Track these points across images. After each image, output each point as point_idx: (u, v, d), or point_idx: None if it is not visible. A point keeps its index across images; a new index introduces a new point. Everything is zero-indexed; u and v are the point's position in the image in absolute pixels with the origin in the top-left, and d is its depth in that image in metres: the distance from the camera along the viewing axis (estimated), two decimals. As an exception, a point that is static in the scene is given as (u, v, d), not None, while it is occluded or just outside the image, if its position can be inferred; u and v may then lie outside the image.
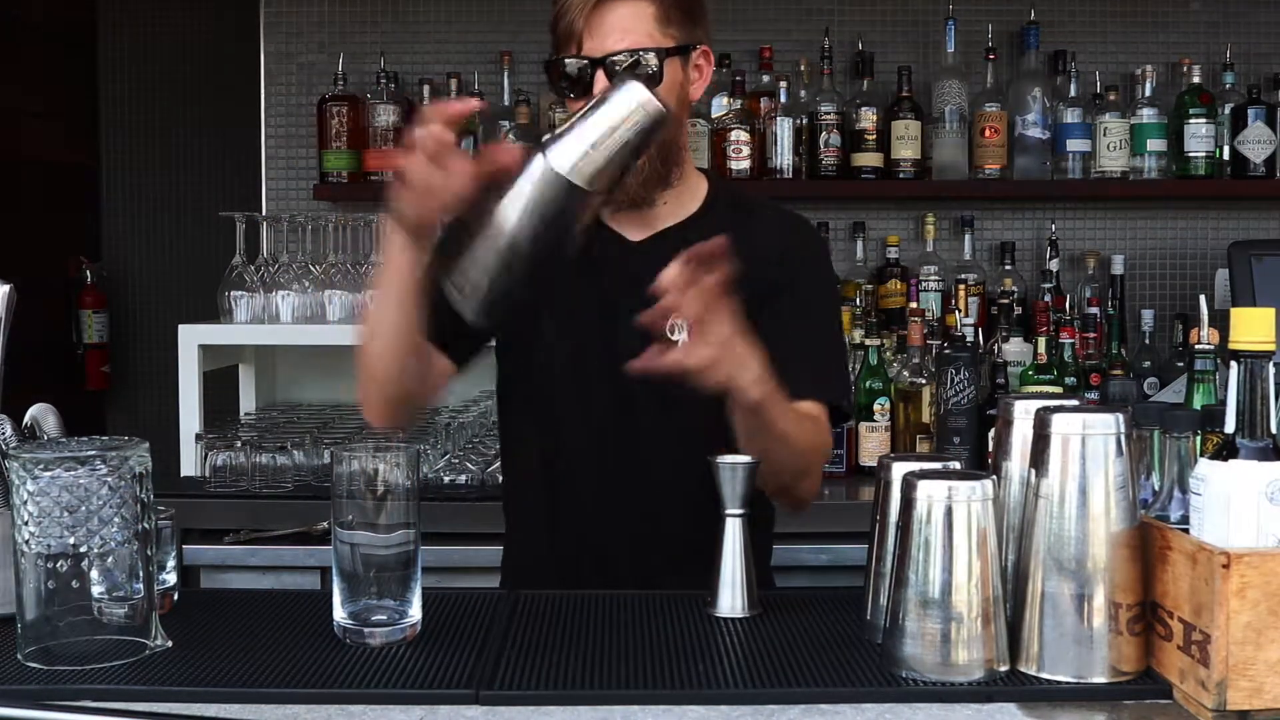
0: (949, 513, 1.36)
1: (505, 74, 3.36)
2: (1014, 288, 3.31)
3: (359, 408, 1.92)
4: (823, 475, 1.93)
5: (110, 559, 1.41)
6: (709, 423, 1.74)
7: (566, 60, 1.83)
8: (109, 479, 1.40)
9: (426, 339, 1.80)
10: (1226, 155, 3.32)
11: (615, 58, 1.79)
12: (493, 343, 2.01)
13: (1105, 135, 3.28)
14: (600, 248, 1.87)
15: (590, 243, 1.75)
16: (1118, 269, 3.38)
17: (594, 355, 1.86)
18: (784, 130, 3.27)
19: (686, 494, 1.81)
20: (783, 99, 3.28)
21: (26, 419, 1.64)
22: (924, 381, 3.00)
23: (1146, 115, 3.29)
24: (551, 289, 1.83)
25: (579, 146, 1.52)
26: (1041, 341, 2.97)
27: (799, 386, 1.78)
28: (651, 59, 1.80)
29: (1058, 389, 2.92)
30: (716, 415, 1.72)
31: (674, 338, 1.62)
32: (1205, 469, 1.34)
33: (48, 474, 1.38)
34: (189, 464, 2.91)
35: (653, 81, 1.77)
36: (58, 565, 1.39)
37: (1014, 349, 3.11)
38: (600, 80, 1.79)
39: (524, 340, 1.94)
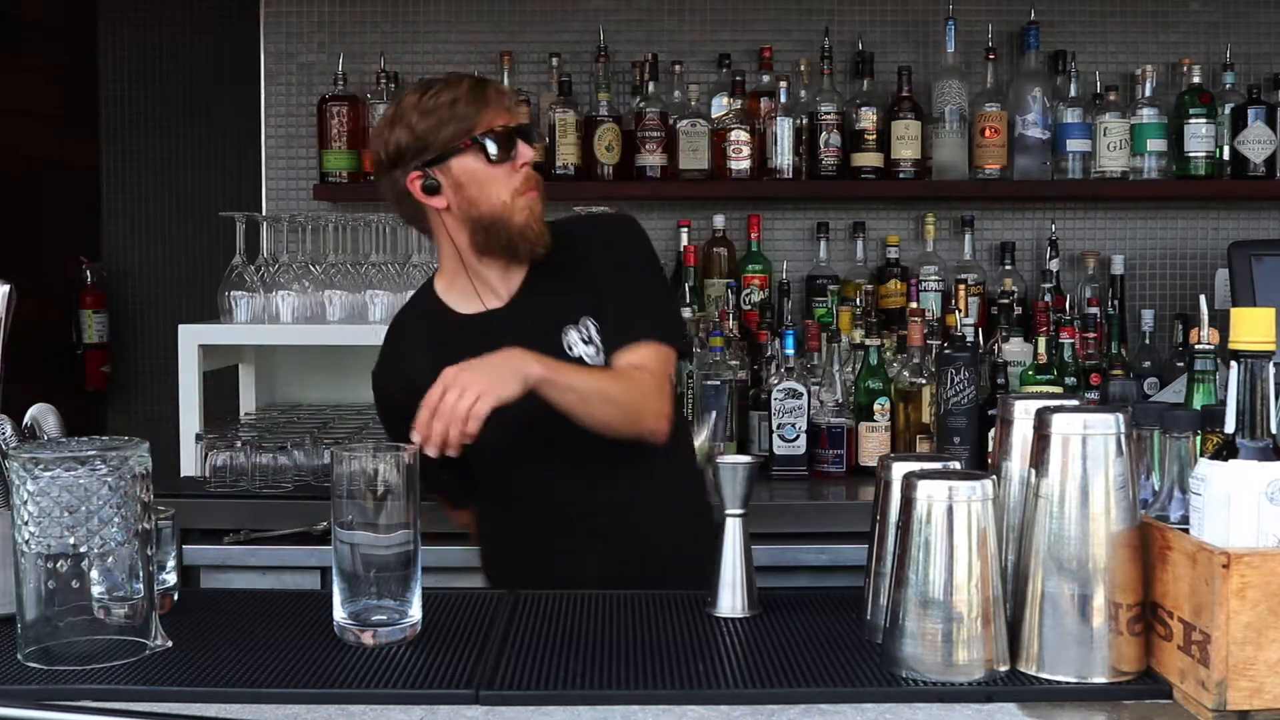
0: (949, 513, 1.36)
1: (505, 74, 3.36)
2: (1014, 288, 3.31)
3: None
4: (670, 404, 2.06)
5: (110, 559, 1.41)
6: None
7: (489, 137, 2.01)
8: (109, 479, 1.40)
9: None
10: (1226, 155, 3.32)
11: (523, 125, 2.06)
12: None
13: (1105, 135, 3.28)
14: (483, 332, 2.03)
15: (473, 335, 2.03)
16: (1118, 269, 3.38)
17: (523, 409, 1.90)
18: (784, 130, 3.27)
19: (617, 472, 2.04)
20: (783, 99, 3.28)
21: (26, 419, 1.64)
22: (924, 381, 3.00)
23: (1146, 115, 3.29)
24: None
25: None
26: (1041, 341, 2.96)
27: (628, 333, 2.04)
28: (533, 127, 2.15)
29: (1058, 389, 2.92)
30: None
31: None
32: (1205, 469, 1.34)
33: (48, 474, 1.39)
34: (189, 464, 2.91)
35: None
36: (58, 565, 1.40)
37: (1014, 349, 3.11)
38: (523, 146, 2.03)
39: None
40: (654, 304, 2.13)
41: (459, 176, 2.01)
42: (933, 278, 3.35)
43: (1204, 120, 3.28)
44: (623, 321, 2.07)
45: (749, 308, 3.32)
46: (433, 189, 2.02)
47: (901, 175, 3.28)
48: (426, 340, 2.11)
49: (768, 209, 3.47)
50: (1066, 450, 1.37)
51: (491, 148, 1.99)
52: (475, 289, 2.10)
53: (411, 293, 2.27)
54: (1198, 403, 1.66)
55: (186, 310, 4.20)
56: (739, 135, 3.26)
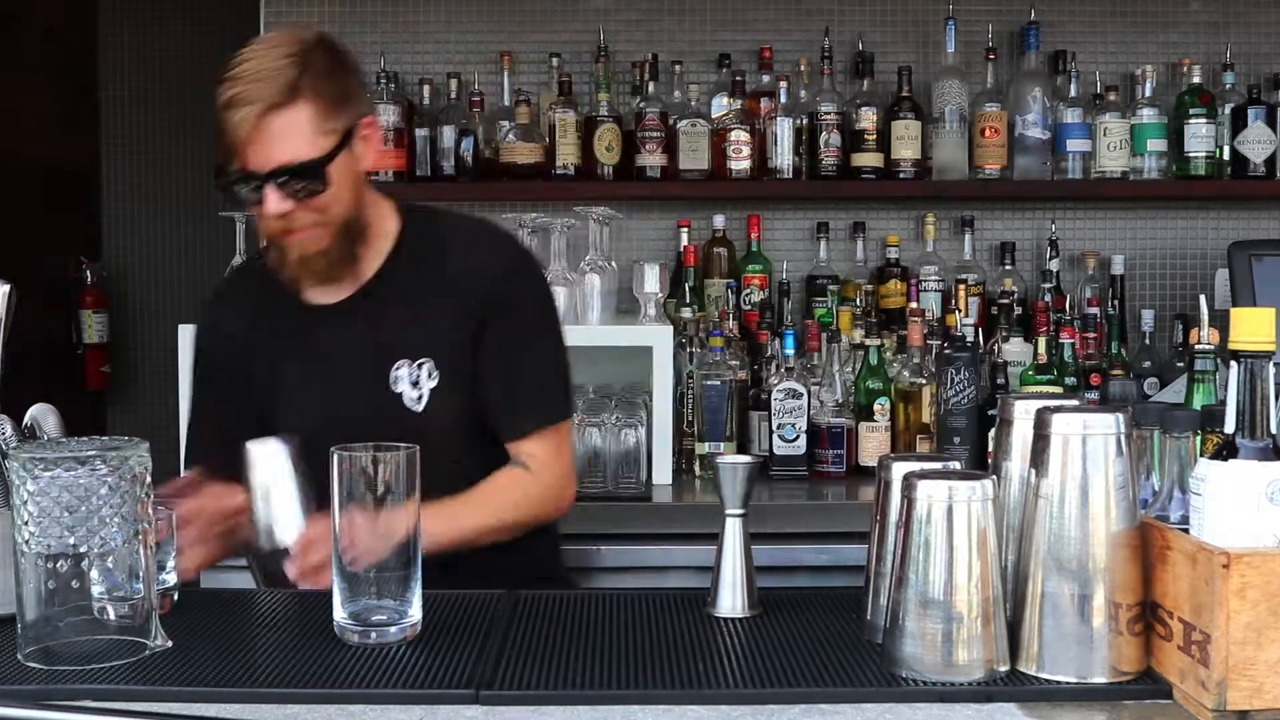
0: (949, 513, 1.36)
1: (505, 74, 3.36)
2: (1014, 288, 3.31)
3: None
4: (573, 470, 2.05)
5: (110, 559, 1.41)
6: (456, 470, 1.90)
7: (236, 178, 1.82)
8: (109, 479, 1.40)
9: None
10: (1226, 155, 3.32)
11: (280, 176, 1.80)
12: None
13: (1105, 135, 3.28)
14: (296, 320, 1.95)
15: (293, 315, 1.94)
16: (1118, 269, 3.38)
17: (329, 422, 1.84)
18: (784, 130, 3.27)
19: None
20: (783, 99, 3.28)
21: (26, 419, 1.64)
22: (924, 381, 3.00)
23: (1146, 115, 3.29)
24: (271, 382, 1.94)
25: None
26: (1041, 341, 2.96)
27: (523, 421, 1.96)
28: (314, 169, 1.81)
29: (1058, 389, 2.92)
30: (475, 457, 1.94)
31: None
32: (1205, 469, 1.34)
33: (48, 474, 1.38)
34: (189, 464, 2.90)
35: (321, 185, 1.82)
36: (58, 565, 1.39)
37: (1014, 349, 3.11)
38: (271, 195, 1.80)
39: (270, 411, 1.98)
40: (546, 378, 2.00)
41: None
42: (933, 278, 3.35)
43: (1204, 120, 3.28)
44: (516, 406, 1.97)
45: (749, 308, 3.32)
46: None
47: (901, 175, 3.28)
48: (252, 304, 2.01)
49: (768, 209, 3.47)
50: (1066, 450, 1.37)
51: (238, 193, 1.82)
52: None
53: None
54: (1198, 403, 1.66)
55: (186, 310, 4.20)
56: (739, 135, 3.26)
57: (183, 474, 2.02)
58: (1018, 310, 3.25)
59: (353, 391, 1.94)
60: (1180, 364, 3.21)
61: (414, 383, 1.93)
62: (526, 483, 1.96)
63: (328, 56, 1.86)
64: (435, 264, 1.96)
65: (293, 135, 1.79)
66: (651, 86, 3.31)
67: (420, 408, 1.92)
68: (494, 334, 1.95)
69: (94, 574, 1.41)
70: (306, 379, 1.98)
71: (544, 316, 2.02)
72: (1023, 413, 1.48)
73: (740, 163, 3.26)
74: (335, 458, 1.49)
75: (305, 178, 1.81)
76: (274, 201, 1.80)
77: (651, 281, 2.91)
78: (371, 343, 1.94)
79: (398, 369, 1.93)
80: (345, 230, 1.89)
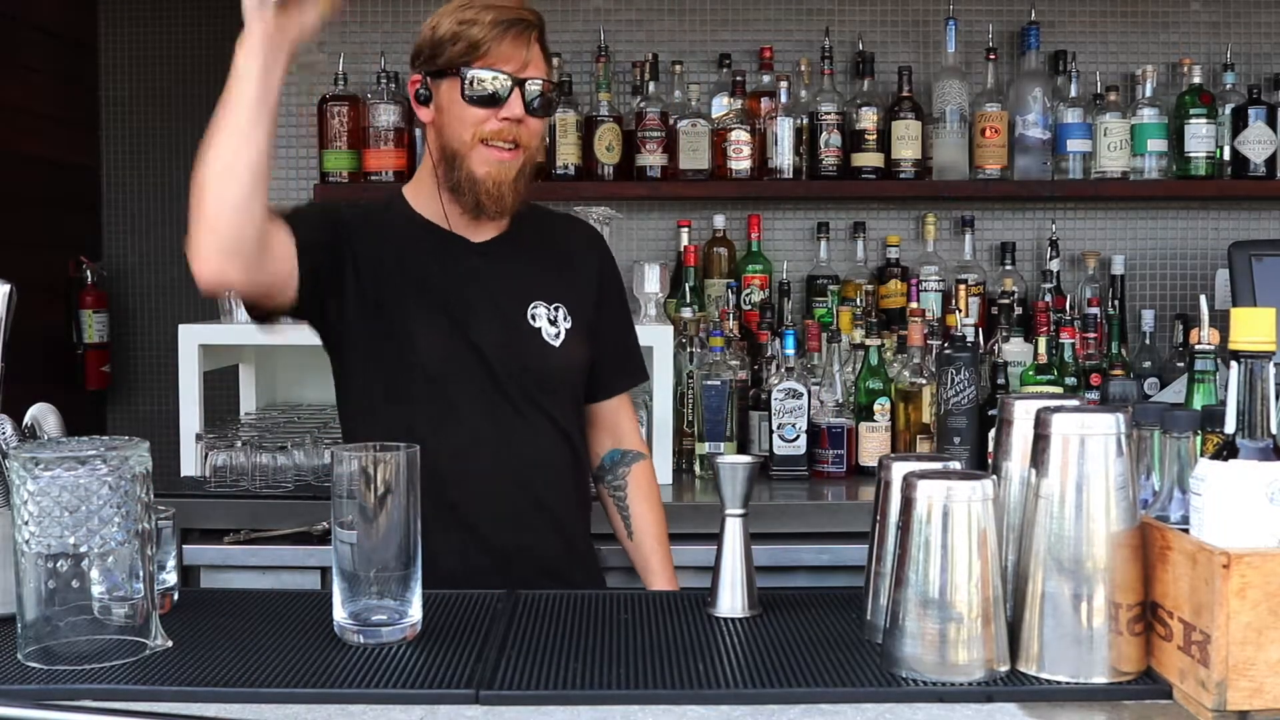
0: (949, 513, 1.36)
1: (505, 74, 3.36)
2: (1014, 288, 3.31)
3: (190, 260, 1.77)
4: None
5: (110, 559, 1.41)
6: (571, 411, 2.08)
7: (484, 73, 1.96)
8: (109, 479, 1.40)
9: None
10: (1227, 155, 3.32)
11: (531, 83, 1.97)
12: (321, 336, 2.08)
13: (1105, 135, 3.28)
14: (446, 249, 2.04)
15: (434, 244, 2.02)
16: (1118, 269, 3.38)
17: (457, 346, 1.99)
18: (784, 130, 3.27)
19: (559, 477, 2.06)
20: (783, 99, 3.28)
21: (26, 419, 1.64)
22: (924, 381, 3.00)
23: (1147, 115, 3.29)
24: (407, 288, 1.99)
25: None
26: (1042, 341, 2.96)
27: (622, 380, 2.21)
28: (554, 93, 2.05)
29: (1058, 389, 2.92)
30: (576, 406, 2.11)
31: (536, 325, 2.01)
32: (1205, 469, 1.34)
33: (48, 474, 1.39)
34: (189, 464, 2.91)
35: (551, 110, 2.06)
36: (58, 565, 1.40)
37: (1014, 349, 3.11)
38: (515, 99, 1.96)
39: (384, 334, 2.00)
40: (637, 348, 2.26)
41: (441, 99, 1.99)
42: (933, 278, 3.35)
43: (1204, 120, 3.28)
44: (626, 360, 2.22)
45: (749, 308, 3.32)
46: (424, 99, 2.03)
47: (902, 175, 3.29)
48: (379, 222, 2.05)
49: (768, 209, 3.47)
50: (1066, 450, 1.37)
51: (474, 86, 1.95)
52: (444, 210, 2.05)
53: None
54: (1198, 403, 1.66)
55: (186, 310, 4.21)
56: (739, 135, 3.26)
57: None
58: (1018, 310, 3.25)
59: (493, 319, 2.02)
60: (1180, 364, 3.21)
61: (551, 321, 2.06)
62: (650, 465, 2.25)
63: None
64: (559, 228, 2.21)
65: (541, 62, 2.01)
66: (652, 86, 3.31)
67: (557, 344, 2.05)
68: (610, 300, 2.18)
69: (94, 574, 1.41)
70: (445, 303, 2.01)
71: (625, 296, 2.28)
72: (1023, 413, 1.48)
73: (740, 163, 3.26)
74: (335, 458, 1.50)
75: (547, 95, 2.00)
76: (516, 104, 1.95)
77: (652, 281, 2.92)
78: (515, 279, 2.06)
79: (535, 307, 2.05)
80: (527, 168, 2.04)
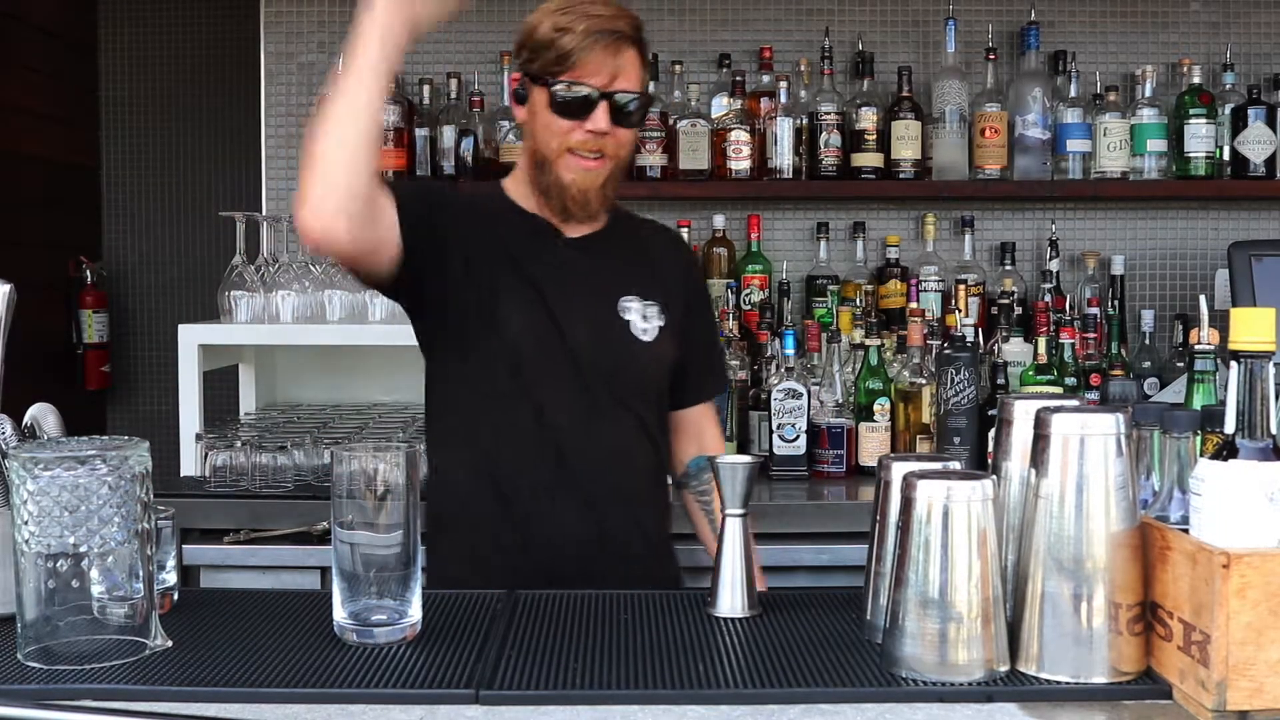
0: (949, 513, 1.36)
1: (505, 74, 3.36)
2: (1014, 288, 3.31)
3: (297, 215, 1.81)
4: None
5: (110, 559, 1.41)
6: (653, 407, 2.07)
7: (572, 85, 1.95)
8: (109, 479, 1.40)
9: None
10: (1226, 155, 3.32)
11: (619, 95, 1.96)
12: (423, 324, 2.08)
13: (1105, 135, 3.28)
14: (542, 239, 2.05)
15: (530, 232, 2.04)
16: (1118, 269, 3.38)
17: (547, 331, 1.99)
18: (784, 130, 3.27)
19: (634, 479, 2.05)
20: (783, 99, 3.28)
21: (26, 419, 1.64)
22: (924, 381, 3.00)
23: (1146, 115, 3.29)
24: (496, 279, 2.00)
25: None
26: (1041, 342, 2.96)
27: (710, 386, 2.24)
28: (642, 105, 2.01)
29: (1058, 389, 2.92)
30: (659, 402, 2.09)
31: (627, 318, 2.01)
32: (1205, 469, 1.34)
33: (48, 474, 1.39)
34: (189, 464, 2.91)
35: (639, 121, 2.03)
36: (58, 565, 1.39)
37: (1014, 349, 3.11)
38: (601, 112, 1.95)
39: (476, 311, 2.01)
40: (721, 347, 2.31)
41: (534, 104, 2.00)
42: (933, 278, 3.35)
43: (1204, 120, 3.28)
44: (713, 366, 2.26)
45: (749, 308, 3.32)
46: (521, 98, 2.04)
47: (901, 175, 3.28)
48: (480, 208, 2.08)
49: (768, 209, 3.47)
50: (1066, 450, 1.37)
51: (558, 99, 1.95)
52: (538, 201, 2.07)
53: None
54: (1198, 403, 1.66)
55: (186, 310, 4.21)
56: (739, 135, 3.26)
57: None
58: (1018, 310, 3.25)
59: (583, 311, 2.02)
60: (1180, 364, 3.21)
61: (643, 316, 2.06)
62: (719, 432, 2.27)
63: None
64: (645, 230, 2.22)
65: (632, 72, 1.98)
66: (652, 86, 3.31)
67: (648, 339, 2.05)
68: (699, 307, 2.21)
69: (94, 574, 1.41)
70: (538, 289, 2.02)
71: (712, 306, 2.35)
72: (1023, 413, 1.48)
73: (740, 163, 3.26)
74: (335, 458, 1.50)
75: (633, 108, 1.99)
76: (602, 118, 1.96)
77: (651, 281, 2.91)
78: (607, 272, 2.07)
79: (627, 300, 2.06)
80: (617, 173, 2.05)
